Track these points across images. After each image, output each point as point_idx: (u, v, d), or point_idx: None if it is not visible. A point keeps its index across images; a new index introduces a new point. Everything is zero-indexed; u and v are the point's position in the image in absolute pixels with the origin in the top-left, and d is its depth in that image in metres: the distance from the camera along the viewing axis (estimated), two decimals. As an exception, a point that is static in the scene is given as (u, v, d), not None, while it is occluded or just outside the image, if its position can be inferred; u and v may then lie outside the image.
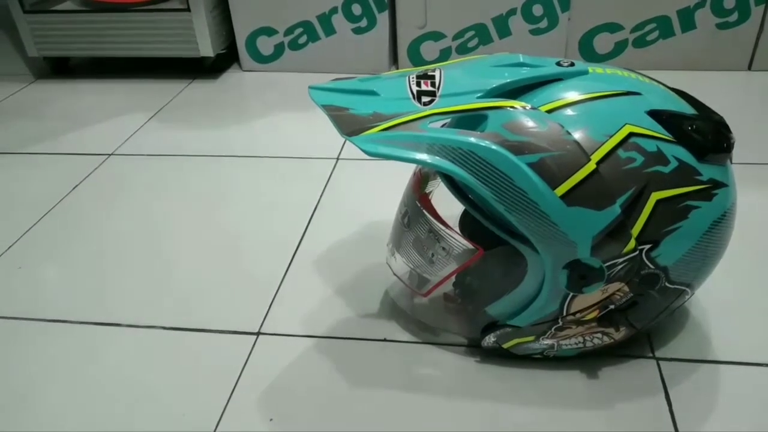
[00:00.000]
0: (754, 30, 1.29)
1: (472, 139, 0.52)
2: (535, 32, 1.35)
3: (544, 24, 1.33)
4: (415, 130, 0.54)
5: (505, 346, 0.63)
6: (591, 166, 0.51)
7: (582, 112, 0.54)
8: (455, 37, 1.38)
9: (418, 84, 0.58)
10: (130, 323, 0.75)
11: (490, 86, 0.56)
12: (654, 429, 0.58)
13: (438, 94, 0.57)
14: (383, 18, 1.38)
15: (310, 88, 0.59)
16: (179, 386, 0.66)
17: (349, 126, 0.55)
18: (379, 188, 0.75)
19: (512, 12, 1.33)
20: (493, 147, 0.52)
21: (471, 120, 0.55)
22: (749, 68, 1.34)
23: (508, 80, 0.56)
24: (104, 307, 0.78)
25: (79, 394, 0.66)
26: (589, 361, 0.64)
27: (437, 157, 0.53)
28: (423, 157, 0.53)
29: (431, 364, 0.67)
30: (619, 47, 1.35)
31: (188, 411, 0.63)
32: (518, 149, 0.52)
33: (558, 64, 0.58)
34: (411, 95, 0.57)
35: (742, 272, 0.76)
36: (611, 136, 0.52)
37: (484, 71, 0.59)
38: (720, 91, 1.28)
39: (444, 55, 1.40)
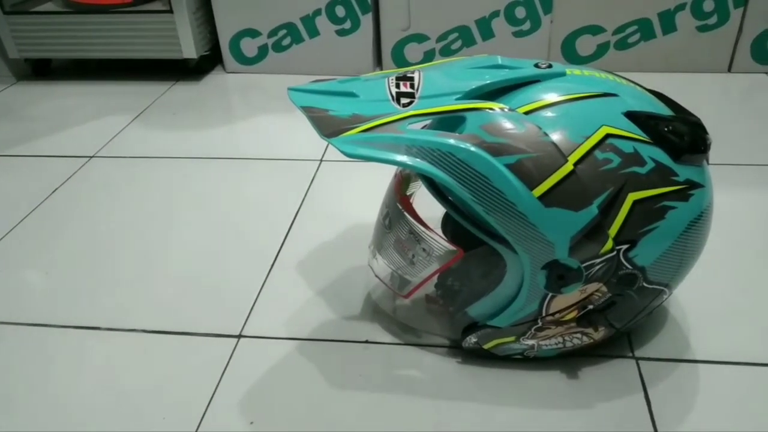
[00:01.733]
0: (733, 32, 1.31)
1: (451, 141, 0.52)
2: (518, 34, 1.35)
3: (526, 26, 1.34)
4: (394, 132, 0.54)
5: (486, 346, 0.64)
6: (568, 167, 0.52)
7: (559, 113, 0.54)
8: (439, 39, 1.38)
9: (398, 86, 0.58)
10: (110, 327, 0.74)
11: (468, 88, 0.56)
12: (633, 428, 0.59)
13: (417, 95, 0.57)
14: (367, 20, 1.38)
15: (290, 89, 0.59)
16: (159, 390, 0.65)
17: (329, 127, 0.55)
18: (362, 190, 0.75)
19: (495, 14, 1.34)
20: (471, 148, 0.52)
21: (450, 121, 0.56)
22: (729, 70, 1.36)
23: (487, 82, 0.57)
24: (84, 310, 0.77)
25: (59, 398, 0.65)
26: (569, 361, 0.65)
27: (416, 159, 0.53)
28: (402, 158, 0.53)
29: (412, 366, 0.67)
30: (601, 49, 1.36)
31: (168, 414, 0.62)
32: (496, 151, 0.52)
33: (536, 65, 0.58)
34: (390, 97, 0.57)
35: (720, 272, 0.77)
36: (588, 138, 0.53)
37: (463, 73, 0.59)
38: (700, 93, 1.29)
39: (428, 57, 1.41)
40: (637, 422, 0.59)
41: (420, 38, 1.39)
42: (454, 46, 1.39)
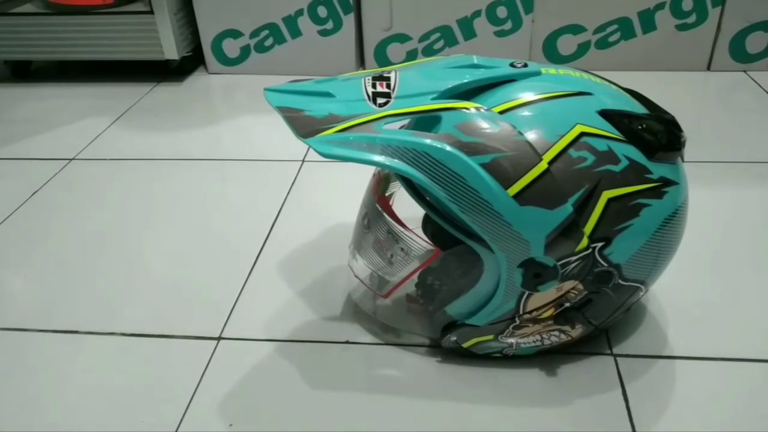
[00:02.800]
0: (712, 31, 1.32)
1: (426, 141, 0.53)
2: (499, 34, 1.36)
3: (508, 26, 1.35)
4: (370, 132, 0.54)
5: (465, 345, 0.64)
6: (543, 165, 0.52)
7: (534, 112, 0.54)
8: (421, 39, 1.38)
9: (374, 85, 0.58)
10: (89, 330, 0.73)
11: (444, 87, 0.56)
12: (611, 424, 0.59)
13: (393, 95, 0.57)
14: (349, 20, 1.38)
15: (266, 90, 0.59)
16: (138, 393, 0.65)
17: (305, 128, 0.54)
18: (344, 190, 0.75)
19: (477, 14, 1.34)
20: (446, 148, 0.52)
21: (426, 121, 0.56)
22: (708, 68, 1.37)
23: (462, 81, 0.57)
24: (62, 314, 0.76)
25: (37, 403, 0.64)
26: (547, 359, 0.65)
27: (392, 159, 0.53)
28: (378, 158, 0.53)
29: (393, 365, 0.67)
30: (582, 48, 1.36)
31: (147, 418, 0.62)
32: (471, 150, 0.52)
33: (511, 65, 0.59)
34: (366, 97, 0.57)
35: (698, 269, 0.78)
36: (563, 136, 0.53)
37: (439, 73, 0.59)
38: (680, 91, 1.30)
39: (410, 57, 1.41)
40: (615, 418, 0.59)
41: (402, 38, 1.39)
42: (437, 46, 1.39)
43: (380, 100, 0.56)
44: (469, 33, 1.36)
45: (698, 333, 0.69)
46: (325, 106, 0.56)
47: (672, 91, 1.30)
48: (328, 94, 0.58)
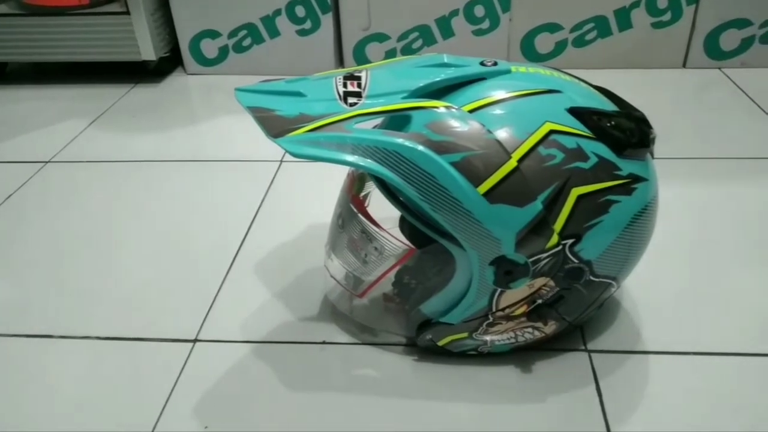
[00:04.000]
0: (687, 29, 1.33)
1: (396, 140, 0.53)
2: (477, 33, 1.36)
3: (486, 25, 1.35)
4: (341, 131, 0.54)
5: (440, 343, 0.64)
6: (512, 163, 0.52)
7: (503, 110, 0.55)
8: (399, 39, 1.39)
9: (345, 85, 0.58)
10: (63, 334, 0.73)
11: (415, 86, 0.57)
12: (584, 419, 0.59)
13: (364, 95, 0.57)
14: (327, 20, 1.38)
15: (237, 90, 0.58)
16: (113, 397, 0.64)
17: (275, 127, 0.54)
18: (322, 190, 0.75)
19: (455, 13, 1.34)
20: (417, 147, 0.52)
21: (397, 120, 0.56)
22: (684, 66, 1.38)
23: (433, 80, 0.57)
24: (36, 318, 0.75)
25: (11, 408, 0.64)
26: (522, 356, 0.65)
27: (363, 158, 0.53)
28: (349, 157, 0.53)
29: (369, 365, 0.67)
30: (560, 47, 1.37)
31: (122, 422, 0.62)
32: (441, 149, 0.52)
33: (482, 63, 0.59)
34: (337, 96, 0.57)
35: (671, 264, 0.79)
36: (532, 134, 0.53)
37: (410, 72, 0.59)
38: (656, 89, 1.32)
39: (389, 56, 1.41)
40: (588, 413, 0.60)
41: (381, 38, 1.39)
42: (415, 45, 1.39)
43: (351, 100, 0.56)
44: (447, 32, 1.37)
45: (672, 328, 0.69)
46: (296, 106, 0.56)
47: (648, 89, 1.31)
48: (299, 94, 0.58)
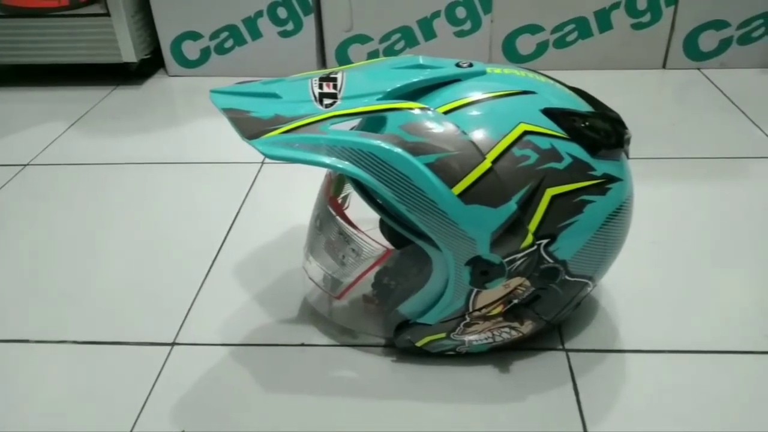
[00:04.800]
0: (666, 30, 1.35)
1: (371, 141, 0.53)
2: (459, 34, 1.37)
3: (467, 26, 1.36)
4: (316, 133, 0.54)
5: (419, 344, 0.64)
6: (486, 164, 0.53)
7: (478, 111, 0.55)
8: (382, 40, 1.39)
9: (320, 86, 0.58)
10: (40, 339, 0.72)
11: (390, 88, 0.57)
12: (561, 418, 0.60)
13: (339, 96, 0.57)
14: (309, 21, 1.37)
15: (212, 92, 0.58)
16: (89, 401, 0.64)
17: (250, 129, 0.54)
18: (302, 192, 0.75)
19: (436, 14, 1.35)
20: (391, 148, 0.52)
21: (373, 122, 0.56)
22: (664, 66, 1.40)
23: (408, 82, 0.57)
24: (12, 323, 0.75)
25: (-19, 416, 0.63)
26: (501, 355, 0.66)
27: (338, 160, 0.53)
28: (324, 159, 0.53)
29: (348, 366, 0.67)
30: (541, 48, 1.38)
31: (99, 425, 0.61)
32: (416, 150, 0.52)
33: (457, 65, 0.59)
34: (313, 97, 0.57)
35: (648, 263, 0.79)
36: (506, 135, 0.54)
37: (385, 73, 0.60)
38: (637, 89, 1.33)
39: (372, 58, 1.41)
40: (565, 412, 0.60)
41: (363, 39, 1.39)
42: (398, 47, 1.40)
43: (327, 101, 0.56)
44: (429, 33, 1.37)
45: (648, 326, 0.70)
46: (271, 107, 0.56)
47: (629, 90, 1.32)
48: (274, 95, 0.57)
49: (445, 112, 0.55)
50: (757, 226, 0.87)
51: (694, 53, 1.37)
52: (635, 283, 0.75)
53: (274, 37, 1.40)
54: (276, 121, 0.54)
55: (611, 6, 1.32)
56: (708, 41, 1.35)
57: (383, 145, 0.53)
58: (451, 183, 0.52)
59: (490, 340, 0.63)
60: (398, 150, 0.52)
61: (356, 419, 0.61)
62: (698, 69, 1.38)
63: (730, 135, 1.12)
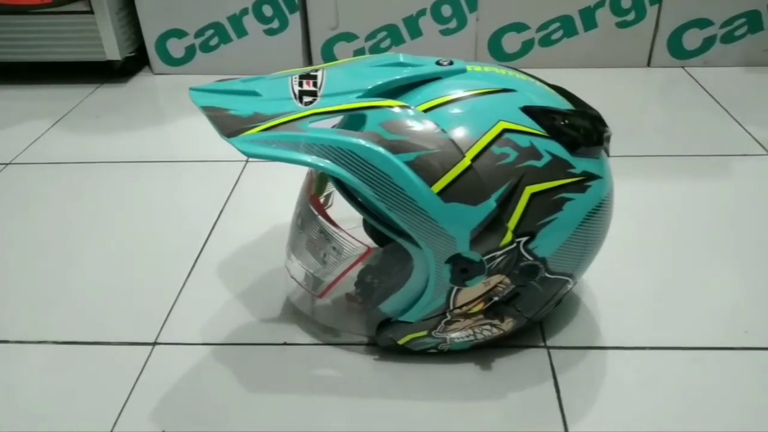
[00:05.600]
0: (651, 28, 1.35)
1: (350, 139, 0.53)
2: (445, 32, 1.37)
3: (453, 24, 1.36)
4: (295, 130, 0.54)
5: (401, 342, 0.64)
6: (466, 162, 0.53)
7: (458, 110, 0.55)
8: (368, 38, 1.39)
9: (300, 84, 0.57)
10: (19, 339, 0.71)
11: (371, 86, 0.56)
12: (542, 415, 0.60)
13: (319, 94, 0.57)
14: (295, 19, 1.37)
15: (191, 89, 0.58)
16: (69, 402, 0.63)
17: (229, 127, 0.54)
18: (286, 191, 0.74)
19: (422, 13, 1.35)
20: (371, 146, 0.52)
21: (353, 119, 0.56)
22: (648, 65, 1.40)
23: (389, 80, 0.57)
24: (-9, 323, 0.74)
25: (-41, 417, 0.62)
26: (483, 353, 0.66)
27: (317, 157, 0.53)
28: (303, 157, 0.53)
29: (330, 365, 0.67)
30: (526, 47, 1.38)
31: (78, 426, 0.61)
32: (395, 148, 0.52)
33: (437, 63, 0.59)
34: (293, 95, 0.56)
35: (631, 260, 0.80)
36: (485, 133, 0.54)
37: (366, 71, 0.59)
38: (621, 88, 1.33)
39: (357, 56, 1.41)
40: (546, 409, 0.60)
41: (349, 37, 1.39)
42: (384, 45, 1.39)
43: (306, 99, 0.56)
44: (415, 32, 1.37)
45: (629, 323, 0.70)
46: (250, 105, 0.55)
47: (614, 88, 1.33)
48: (254, 93, 0.57)
49: (425, 110, 0.54)
50: (739, 224, 0.87)
51: (678, 51, 1.38)
52: (616, 280, 0.76)
53: (260, 35, 1.39)
54: (255, 119, 0.54)
55: (596, 4, 1.33)
56: (692, 40, 1.36)
57: (363, 142, 0.52)
58: (431, 181, 0.52)
59: (472, 338, 0.63)
60: (378, 148, 0.52)
61: (339, 418, 0.61)
62: (682, 67, 1.39)
63: (713, 133, 1.13)
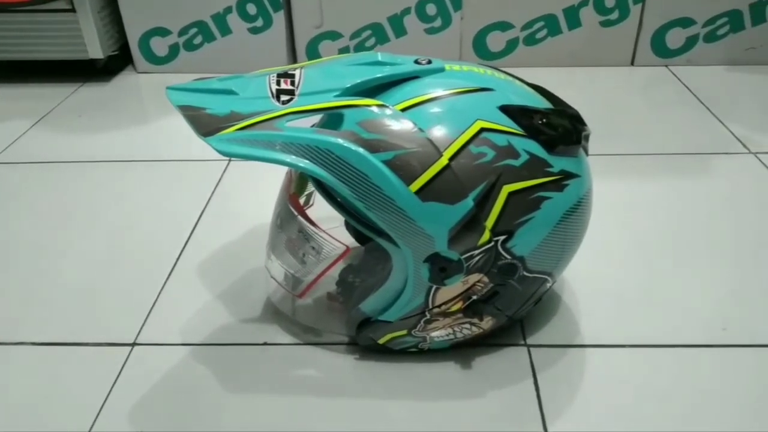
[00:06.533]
0: (634, 27, 1.36)
1: (327, 138, 0.52)
2: (429, 31, 1.37)
3: (438, 23, 1.36)
4: (272, 129, 0.53)
5: (381, 341, 0.64)
6: (443, 161, 0.52)
7: (436, 108, 0.55)
8: (352, 37, 1.38)
9: (278, 83, 0.57)
10: (-4, 341, 0.71)
11: (349, 84, 0.56)
12: (521, 413, 0.60)
13: (297, 92, 0.56)
14: (279, 18, 1.36)
15: (168, 88, 0.57)
16: (46, 403, 0.63)
17: (205, 126, 0.54)
18: (268, 191, 0.74)
19: (407, 11, 1.35)
20: (348, 145, 0.52)
21: (330, 118, 0.56)
22: (632, 63, 1.41)
23: (367, 78, 0.57)
24: (-32, 325, 0.73)
25: (-67, 420, 0.62)
26: (463, 351, 0.66)
27: (295, 156, 0.53)
28: (280, 156, 0.53)
29: (310, 365, 0.66)
30: (511, 45, 1.39)
31: (56, 427, 0.60)
32: (373, 147, 0.52)
33: (416, 62, 0.59)
34: (270, 94, 0.56)
35: (611, 259, 0.80)
36: (463, 132, 0.54)
37: (344, 70, 0.59)
38: (605, 86, 1.34)
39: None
40: (525, 408, 0.60)
41: (333, 36, 1.39)
42: (368, 44, 1.39)
43: (284, 98, 0.56)
44: (399, 30, 1.37)
45: (609, 321, 0.71)
46: (227, 104, 0.55)
47: (598, 87, 1.34)
48: (231, 92, 0.57)
49: (403, 109, 0.54)
50: (719, 222, 0.88)
51: (662, 50, 1.39)
52: (597, 279, 0.76)
53: (244, 34, 1.38)
54: (231, 118, 0.54)
55: (580, 4, 1.33)
56: (675, 38, 1.37)
57: (340, 141, 0.52)
58: (409, 180, 0.52)
59: (452, 337, 0.63)
60: (355, 147, 0.52)
61: (319, 417, 0.60)
62: (666, 66, 1.40)
63: (695, 131, 1.14)
